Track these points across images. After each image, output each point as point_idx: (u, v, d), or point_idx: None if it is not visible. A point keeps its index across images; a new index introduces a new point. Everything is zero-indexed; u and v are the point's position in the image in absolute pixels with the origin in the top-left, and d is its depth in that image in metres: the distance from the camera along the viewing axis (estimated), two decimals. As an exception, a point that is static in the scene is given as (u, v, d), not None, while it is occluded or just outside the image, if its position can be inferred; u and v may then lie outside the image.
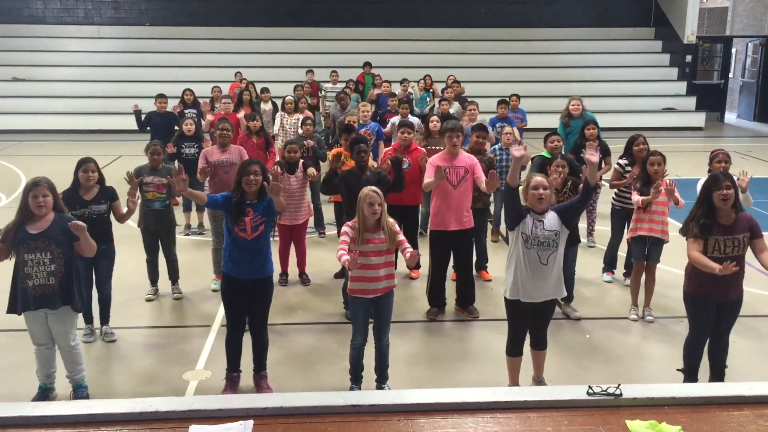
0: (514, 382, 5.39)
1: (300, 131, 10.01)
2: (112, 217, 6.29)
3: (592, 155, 5.02)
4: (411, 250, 5.06)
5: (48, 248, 4.97)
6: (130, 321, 6.75)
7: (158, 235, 7.24)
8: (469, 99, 12.70)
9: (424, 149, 8.06)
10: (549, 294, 5.14)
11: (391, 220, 5.23)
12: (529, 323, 5.28)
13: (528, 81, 19.53)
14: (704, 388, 3.40)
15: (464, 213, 6.77)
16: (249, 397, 3.26)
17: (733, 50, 23.31)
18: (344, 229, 5.18)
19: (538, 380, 5.47)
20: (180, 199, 9.67)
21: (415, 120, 10.40)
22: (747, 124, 21.79)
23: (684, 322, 5.58)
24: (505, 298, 5.24)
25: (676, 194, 6.57)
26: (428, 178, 6.65)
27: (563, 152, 7.87)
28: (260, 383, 5.54)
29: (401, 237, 5.23)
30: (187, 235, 9.55)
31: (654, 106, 20.43)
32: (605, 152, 8.43)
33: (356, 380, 5.41)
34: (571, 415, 3.17)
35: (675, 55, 21.73)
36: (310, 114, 11.03)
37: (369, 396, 3.32)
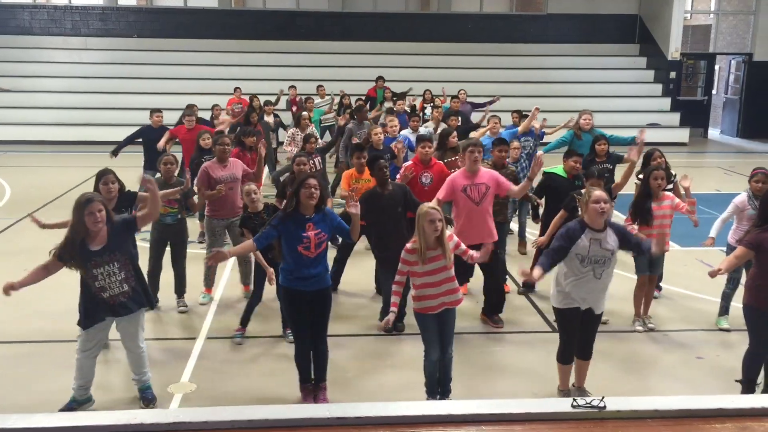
0: (564, 387, 5.57)
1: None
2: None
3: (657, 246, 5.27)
4: (474, 253, 5.20)
5: (114, 258, 5.04)
6: (114, 333, 6.69)
7: (172, 245, 7.23)
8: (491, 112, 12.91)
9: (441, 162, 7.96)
10: (600, 306, 5.31)
11: (447, 232, 5.22)
12: (578, 331, 5.38)
13: (514, 96, 19.61)
14: (687, 401, 3.42)
15: (489, 228, 6.76)
16: (234, 410, 3.25)
17: (717, 67, 23.59)
18: (403, 256, 5.13)
19: (581, 390, 5.51)
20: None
21: (426, 130, 10.46)
22: (730, 140, 22.03)
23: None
24: (556, 308, 5.38)
25: (694, 217, 6.70)
26: (442, 196, 6.67)
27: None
28: (318, 395, 5.54)
29: (462, 247, 5.29)
30: (201, 242, 9.51)
31: (638, 122, 20.55)
32: (617, 161, 8.43)
33: (432, 393, 5.42)
34: (556, 427, 3.19)
35: (659, 71, 21.97)
36: (314, 132, 11.01)
37: (355, 408, 3.32)
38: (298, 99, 16.13)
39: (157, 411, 3.31)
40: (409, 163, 7.80)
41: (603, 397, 3.29)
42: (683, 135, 20.54)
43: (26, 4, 22.21)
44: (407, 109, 13.60)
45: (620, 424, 3.17)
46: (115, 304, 5.10)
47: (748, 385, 5.45)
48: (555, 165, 7.88)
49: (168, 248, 7.37)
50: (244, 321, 6.70)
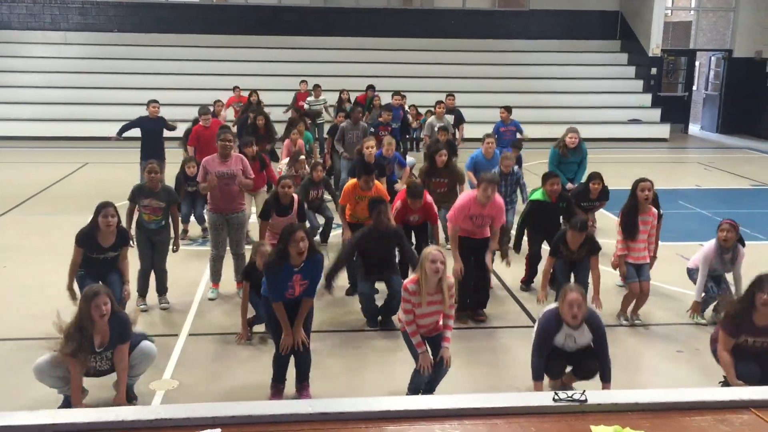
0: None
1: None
2: None
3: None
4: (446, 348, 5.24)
5: (106, 356, 5.11)
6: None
7: (155, 244, 7.22)
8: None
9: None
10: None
11: (450, 281, 5.28)
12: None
13: (496, 92, 19.69)
14: (667, 393, 3.46)
15: (485, 231, 7.08)
16: (215, 406, 3.23)
17: (697, 63, 23.78)
18: (404, 295, 5.19)
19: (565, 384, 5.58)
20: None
21: (410, 161, 10.44)
22: (710, 135, 22.23)
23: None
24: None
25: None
26: (458, 222, 6.92)
27: (561, 183, 7.81)
28: (301, 392, 5.56)
29: (451, 314, 5.34)
30: (182, 239, 9.51)
31: (620, 118, 20.74)
32: (605, 198, 8.60)
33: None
34: (538, 421, 3.21)
35: (640, 67, 22.11)
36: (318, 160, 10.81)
37: (337, 404, 3.32)
38: (307, 94, 15.98)
39: (138, 408, 3.29)
40: (398, 203, 7.77)
41: (584, 391, 3.32)
42: (664, 131, 20.70)
43: (4, -2, 21.95)
44: (404, 104, 13.62)
45: (601, 417, 3.20)
46: (94, 374, 5.19)
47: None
48: (535, 186, 7.97)
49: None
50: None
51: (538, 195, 7.72)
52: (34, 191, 11.93)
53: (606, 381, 5.15)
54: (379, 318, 7.02)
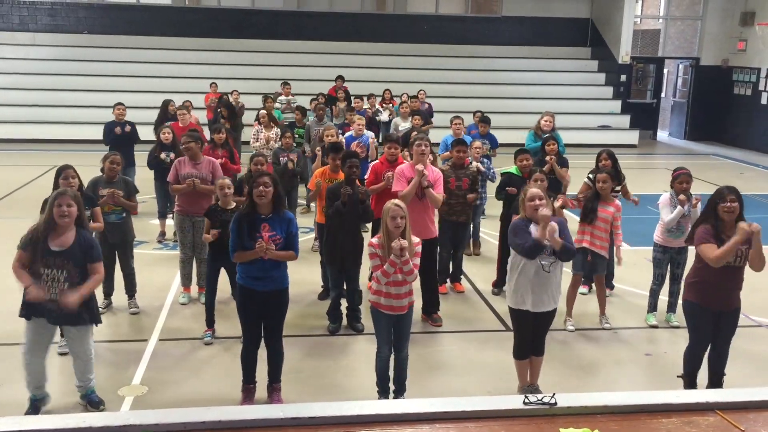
0: (523, 382, 5.66)
1: (278, 144, 10.04)
2: None
3: (544, 211, 5.12)
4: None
5: (65, 267, 4.95)
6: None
7: (114, 247, 7.08)
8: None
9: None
10: (551, 304, 5.39)
11: (416, 239, 5.28)
12: (531, 329, 5.48)
13: (467, 97, 19.82)
14: (634, 396, 3.50)
15: (428, 223, 6.91)
16: (186, 411, 3.20)
17: (665, 71, 24.15)
18: (370, 250, 5.21)
19: (533, 388, 5.60)
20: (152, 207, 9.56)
21: (369, 134, 10.49)
22: (678, 142, 22.57)
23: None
24: (510, 307, 5.48)
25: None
26: (399, 187, 6.76)
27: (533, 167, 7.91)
28: (272, 395, 5.53)
29: (416, 260, 5.28)
30: (160, 242, 9.51)
31: (590, 124, 20.97)
32: (563, 165, 8.56)
33: (384, 392, 5.43)
34: (508, 424, 3.23)
35: (610, 74, 22.40)
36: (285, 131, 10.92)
37: (308, 408, 3.31)
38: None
39: (106, 414, 3.25)
40: (377, 162, 7.82)
41: (554, 394, 3.35)
42: (633, 137, 20.99)
43: (-29, -2, 21.58)
44: (367, 107, 13.68)
45: (570, 420, 3.22)
46: (47, 309, 5.00)
47: (689, 380, 5.60)
48: (509, 165, 8.01)
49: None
50: (210, 321, 6.64)
51: (511, 170, 7.86)
52: (2, 193, 11.75)
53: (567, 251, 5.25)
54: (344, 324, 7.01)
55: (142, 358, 6.23)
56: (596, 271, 7.11)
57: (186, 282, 7.64)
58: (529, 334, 5.51)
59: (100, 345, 6.55)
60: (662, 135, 23.69)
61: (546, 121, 9.81)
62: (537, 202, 5.20)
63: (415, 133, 9.09)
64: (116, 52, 20.95)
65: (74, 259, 4.96)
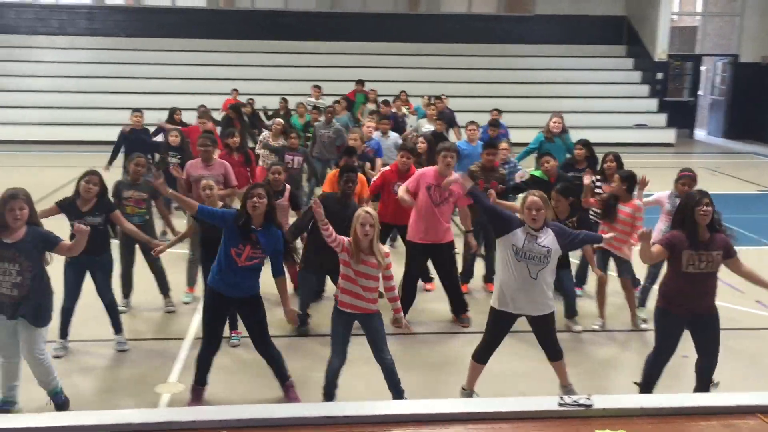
0: (470, 387, 5.48)
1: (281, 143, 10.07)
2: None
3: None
4: (398, 308, 5.28)
5: (17, 259, 4.93)
6: (102, 334, 6.66)
7: (141, 247, 7.08)
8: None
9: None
10: (540, 309, 5.22)
11: (385, 249, 5.23)
12: (505, 335, 5.36)
13: (501, 96, 19.69)
14: (672, 398, 3.46)
15: (443, 229, 6.87)
16: (222, 409, 3.25)
17: (703, 68, 23.76)
18: (346, 244, 5.14)
19: (566, 387, 5.45)
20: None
21: (393, 136, 10.46)
22: (716, 140, 22.19)
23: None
24: (492, 307, 5.35)
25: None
26: (410, 187, 6.74)
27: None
28: (288, 393, 5.51)
29: (393, 284, 5.27)
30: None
31: (625, 123, 20.72)
32: (594, 165, 8.40)
33: (329, 396, 5.32)
34: (543, 425, 3.22)
35: (646, 72, 22.10)
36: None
37: (343, 407, 3.34)
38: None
39: (145, 411, 3.31)
40: (387, 169, 7.79)
41: (590, 396, 3.33)
42: (669, 136, 20.68)
43: (13, 3, 22.06)
44: (394, 110, 13.58)
45: (606, 422, 3.20)
46: (2, 305, 4.96)
47: (645, 388, 5.38)
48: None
49: (139, 251, 7.18)
50: (233, 323, 6.62)
51: (536, 173, 7.77)
52: (40, 195, 11.98)
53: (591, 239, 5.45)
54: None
55: (177, 356, 6.31)
56: (620, 273, 7.00)
57: (191, 282, 7.63)
58: (500, 339, 5.36)
59: (137, 343, 6.67)
60: (700, 133, 23.31)
61: (555, 122, 9.70)
62: (534, 213, 5.03)
63: (430, 138, 9.01)
64: (152, 55, 21.29)
65: (26, 252, 4.94)
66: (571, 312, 7.02)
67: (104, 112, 19.04)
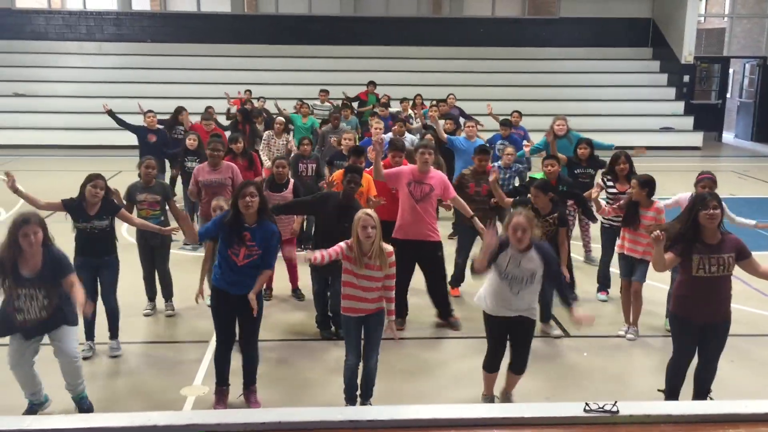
0: (489, 392, 5.50)
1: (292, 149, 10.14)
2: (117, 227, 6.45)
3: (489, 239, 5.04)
4: (392, 310, 5.25)
5: (42, 286, 4.99)
6: (127, 336, 6.73)
7: (154, 247, 7.19)
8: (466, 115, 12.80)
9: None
10: (517, 311, 5.19)
11: (389, 249, 5.21)
12: (506, 340, 5.34)
13: (526, 99, 19.60)
14: (700, 405, 3.42)
15: (428, 228, 6.90)
16: (247, 412, 3.27)
17: (731, 70, 23.46)
18: (341, 244, 5.14)
19: (507, 394, 5.48)
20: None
21: (409, 137, 10.43)
22: (744, 143, 21.89)
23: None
24: (483, 312, 5.37)
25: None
26: (385, 173, 6.90)
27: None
28: (249, 398, 5.56)
29: (393, 284, 5.24)
30: (186, 244, 9.53)
31: (652, 126, 20.52)
32: (599, 166, 8.45)
33: (350, 399, 5.38)
34: (568, 431, 3.19)
35: (673, 74, 21.87)
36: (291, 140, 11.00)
37: (367, 412, 3.34)
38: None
39: (171, 413, 3.33)
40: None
41: (615, 402, 3.29)
42: (697, 139, 20.43)
43: (41, 9, 22.44)
44: (392, 112, 13.57)
45: (632, 429, 3.16)
46: (26, 327, 5.01)
47: (670, 395, 5.31)
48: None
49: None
50: None
51: (539, 175, 7.77)
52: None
53: (568, 305, 5.16)
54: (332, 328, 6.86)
55: (203, 359, 6.35)
56: (634, 276, 6.89)
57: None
58: (503, 344, 5.34)
59: (163, 345, 6.73)
60: (728, 137, 23.01)
61: (559, 125, 9.62)
62: (519, 234, 4.97)
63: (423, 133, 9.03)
64: (178, 60, 21.51)
65: (46, 280, 4.98)
66: (546, 316, 6.94)
67: (131, 117, 19.20)
